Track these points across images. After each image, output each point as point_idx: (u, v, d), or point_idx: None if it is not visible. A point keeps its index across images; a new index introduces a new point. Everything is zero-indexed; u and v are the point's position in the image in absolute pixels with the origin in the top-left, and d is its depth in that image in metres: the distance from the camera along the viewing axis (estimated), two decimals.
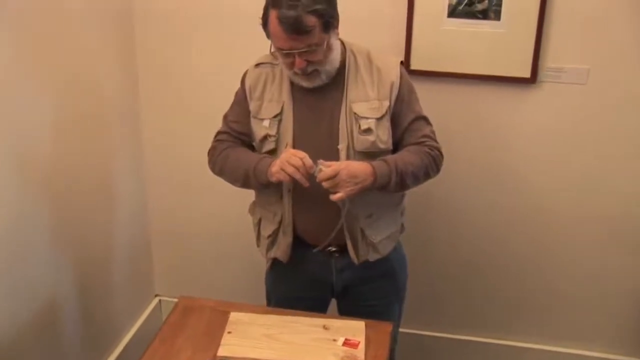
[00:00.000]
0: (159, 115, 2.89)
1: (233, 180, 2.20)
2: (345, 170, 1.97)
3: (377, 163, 2.04)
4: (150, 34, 2.76)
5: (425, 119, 2.19)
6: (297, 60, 1.98)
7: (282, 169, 1.98)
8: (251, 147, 2.23)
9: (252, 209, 2.35)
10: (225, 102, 2.26)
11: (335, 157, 2.06)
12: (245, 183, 2.16)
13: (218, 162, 2.21)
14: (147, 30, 2.75)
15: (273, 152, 2.15)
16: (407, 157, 2.10)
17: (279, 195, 2.17)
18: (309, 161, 1.96)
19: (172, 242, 3.14)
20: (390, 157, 2.08)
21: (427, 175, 2.15)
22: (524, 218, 2.76)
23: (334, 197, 1.99)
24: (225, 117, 2.26)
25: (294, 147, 2.08)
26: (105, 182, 2.74)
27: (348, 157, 2.07)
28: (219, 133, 2.26)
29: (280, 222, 2.20)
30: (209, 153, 2.25)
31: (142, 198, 3.04)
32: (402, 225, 2.35)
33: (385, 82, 2.10)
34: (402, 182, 2.07)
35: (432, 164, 2.14)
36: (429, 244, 2.89)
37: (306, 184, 1.97)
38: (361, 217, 2.16)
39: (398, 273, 2.35)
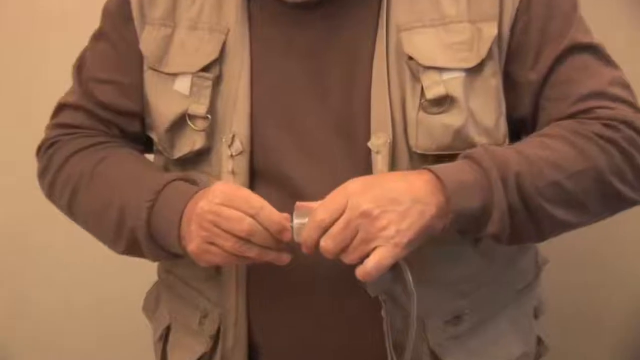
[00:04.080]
0: None
1: (95, 229, 0.98)
2: (358, 198, 0.80)
3: (448, 165, 0.86)
4: None
5: (596, 50, 0.93)
6: None
7: (212, 243, 0.83)
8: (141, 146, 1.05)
9: (154, 298, 1.10)
10: None
11: (359, 170, 0.87)
12: (120, 240, 0.93)
13: (61, 182, 0.99)
14: None
15: (198, 163, 0.95)
16: (540, 146, 0.88)
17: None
18: (275, 218, 0.83)
19: None
20: (488, 148, 0.86)
21: (608, 196, 0.89)
22: None
23: (360, 271, 0.80)
24: (80, 68, 1.03)
25: (251, 148, 0.92)
26: None
27: (393, 169, 0.88)
28: (62, 107, 1.04)
29: (217, 332, 0.97)
30: (39, 152, 1.04)
31: None
32: (540, 340, 1.05)
33: None
34: (528, 211, 0.85)
35: (623, 164, 0.88)
36: None
37: (284, 260, 0.85)
38: (433, 320, 0.92)
39: None
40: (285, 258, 0.84)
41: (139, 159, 0.99)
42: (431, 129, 0.87)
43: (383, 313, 0.89)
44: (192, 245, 0.83)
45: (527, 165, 0.85)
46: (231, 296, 0.93)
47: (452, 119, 0.87)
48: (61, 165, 0.99)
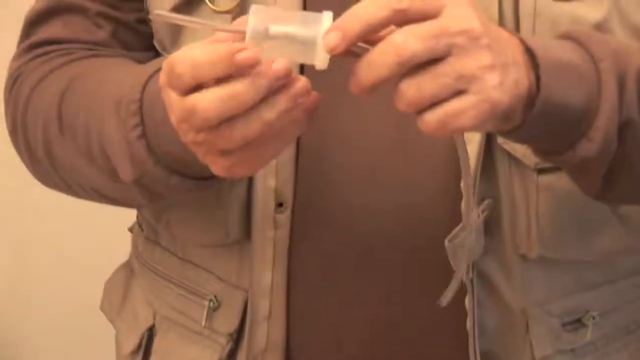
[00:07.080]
0: None
1: (88, 180, 0.63)
2: (462, 12, 0.46)
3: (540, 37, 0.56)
4: None
5: None
6: None
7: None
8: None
9: (120, 288, 0.76)
10: None
11: None
12: (104, 168, 0.60)
13: (31, 126, 0.64)
14: None
15: None
16: None
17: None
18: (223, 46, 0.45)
19: None
20: (599, 33, 0.57)
21: None
22: None
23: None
24: None
25: None
26: None
27: None
28: (30, 24, 0.69)
29: (239, 331, 0.64)
30: (6, 93, 0.68)
31: None
32: None
33: None
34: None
35: None
36: None
37: (303, 87, 0.47)
38: (544, 317, 0.62)
39: None
40: (302, 85, 0.46)
41: (126, 63, 0.65)
42: (556, 24, 0.58)
43: (467, 302, 0.59)
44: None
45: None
46: (264, 269, 0.62)
47: (588, 9, 0.58)
48: (26, 103, 0.65)
